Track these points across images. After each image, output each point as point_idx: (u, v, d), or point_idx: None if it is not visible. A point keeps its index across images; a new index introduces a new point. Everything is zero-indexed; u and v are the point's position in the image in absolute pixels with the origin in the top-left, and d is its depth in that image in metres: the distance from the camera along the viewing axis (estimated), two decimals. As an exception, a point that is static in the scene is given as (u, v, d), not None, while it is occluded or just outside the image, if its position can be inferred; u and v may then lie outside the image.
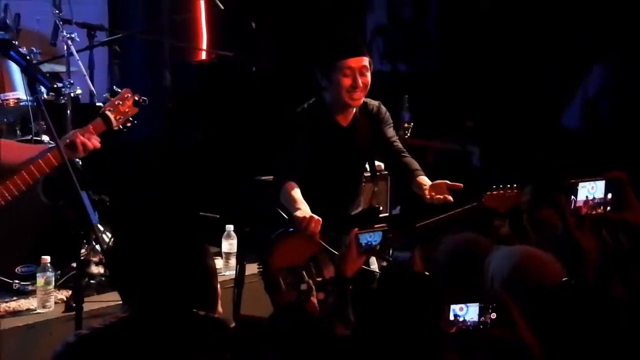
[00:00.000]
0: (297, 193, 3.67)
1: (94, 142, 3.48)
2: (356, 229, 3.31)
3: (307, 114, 3.83)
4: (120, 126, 3.58)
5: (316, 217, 3.55)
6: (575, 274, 2.23)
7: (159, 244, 2.29)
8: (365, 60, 3.74)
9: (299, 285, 3.06)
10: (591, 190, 2.42)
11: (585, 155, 5.58)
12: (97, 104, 3.67)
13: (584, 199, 2.43)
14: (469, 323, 2.43)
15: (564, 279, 2.23)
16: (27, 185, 3.47)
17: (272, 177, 4.04)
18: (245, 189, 4.03)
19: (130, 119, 3.60)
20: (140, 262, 2.28)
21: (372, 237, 3.30)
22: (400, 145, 3.98)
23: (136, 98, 3.58)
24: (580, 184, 2.43)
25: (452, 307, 2.50)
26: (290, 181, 3.70)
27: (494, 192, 3.77)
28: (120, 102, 3.54)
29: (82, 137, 3.45)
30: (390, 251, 4.03)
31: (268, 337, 2.43)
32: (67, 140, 3.42)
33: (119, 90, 3.56)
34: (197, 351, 2.28)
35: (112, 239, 2.45)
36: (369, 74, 3.75)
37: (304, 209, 3.59)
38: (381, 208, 3.98)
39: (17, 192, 3.44)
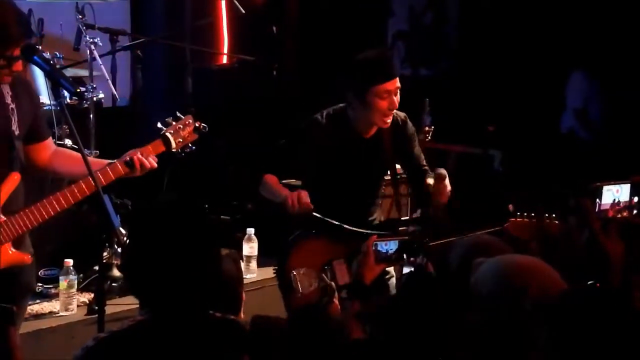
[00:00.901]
0: (278, 183, 3.75)
1: (152, 162, 3.45)
2: (374, 237, 3.31)
3: (327, 121, 3.81)
4: (179, 150, 3.53)
5: (303, 190, 3.61)
6: (600, 279, 2.21)
7: (173, 246, 2.29)
8: (398, 81, 3.72)
9: (323, 285, 3.05)
10: (616, 193, 2.39)
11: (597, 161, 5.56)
12: (160, 126, 3.56)
13: (610, 202, 2.41)
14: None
15: (589, 282, 2.21)
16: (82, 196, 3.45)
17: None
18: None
19: (190, 145, 3.55)
20: (155, 265, 2.28)
21: (388, 246, 3.30)
22: (423, 163, 3.97)
23: (197, 125, 3.53)
24: (605, 187, 2.41)
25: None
26: (270, 174, 3.78)
27: (518, 220, 3.62)
28: (181, 127, 3.51)
29: (140, 156, 3.42)
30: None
31: (285, 338, 2.43)
32: (127, 158, 3.40)
33: (182, 116, 3.52)
34: (214, 353, 2.29)
35: (127, 243, 2.42)
36: (399, 95, 3.74)
37: (289, 192, 3.66)
38: (402, 217, 3.94)
39: (73, 201, 3.41)
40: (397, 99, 3.71)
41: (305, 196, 3.62)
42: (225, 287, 2.63)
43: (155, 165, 3.46)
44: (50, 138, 3.52)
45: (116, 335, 2.30)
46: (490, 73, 6.81)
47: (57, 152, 3.48)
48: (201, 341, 2.29)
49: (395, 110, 3.80)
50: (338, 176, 3.82)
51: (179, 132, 3.48)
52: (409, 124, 3.93)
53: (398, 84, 3.70)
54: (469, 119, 6.54)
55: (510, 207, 5.23)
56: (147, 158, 3.42)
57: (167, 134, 3.45)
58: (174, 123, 3.48)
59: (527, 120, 6.53)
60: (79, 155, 3.37)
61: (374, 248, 3.22)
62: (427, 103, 5.54)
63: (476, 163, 6.17)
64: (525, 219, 3.60)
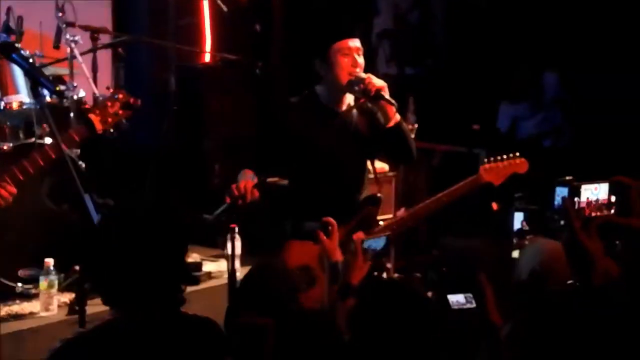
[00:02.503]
0: (249, 175, 3.74)
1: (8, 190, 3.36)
2: (361, 235, 3.29)
3: (298, 101, 3.89)
4: (110, 130, 3.44)
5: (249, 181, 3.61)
6: (581, 277, 2.21)
7: (139, 246, 2.28)
8: (359, 43, 3.83)
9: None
10: (594, 191, 2.39)
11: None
12: (85, 105, 3.44)
13: (587, 200, 2.41)
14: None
15: (569, 282, 2.22)
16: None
17: (275, 178, 4.04)
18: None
19: (124, 121, 3.47)
20: (121, 265, 2.27)
21: (376, 243, 3.27)
22: None
23: (128, 100, 3.44)
24: (584, 186, 2.41)
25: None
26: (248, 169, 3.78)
27: (488, 165, 3.95)
28: (109, 104, 3.42)
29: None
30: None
31: (279, 337, 2.41)
32: None
33: (111, 90, 3.43)
34: (185, 352, 2.27)
35: (90, 244, 2.39)
36: (362, 58, 3.83)
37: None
38: (380, 195, 3.96)
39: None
40: (361, 61, 3.79)
41: (250, 185, 3.60)
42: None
43: (6, 194, 3.35)
44: None
45: (82, 336, 2.31)
46: (476, 72, 6.80)
47: None
48: (172, 340, 2.27)
49: None
50: (320, 154, 3.82)
51: (106, 110, 3.40)
52: None
53: (359, 45, 3.81)
54: (454, 117, 6.54)
55: (494, 205, 5.27)
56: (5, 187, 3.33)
57: (90, 115, 3.38)
58: (101, 99, 3.41)
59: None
60: None
61: (362, 246, 3.19)
62: (412, 101, 5.54)
63: (461, 162, 6.15)
64: (494, 163, 3.95)
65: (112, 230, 2.33)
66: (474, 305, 2.52)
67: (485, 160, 4.03)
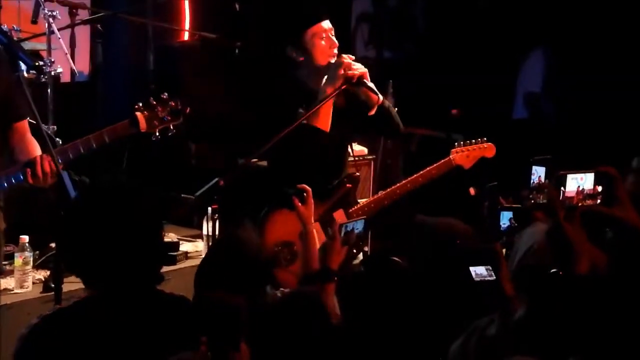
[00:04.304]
0: None
1: (46, 167, 3.33)
2: (339, 220, 3.30)
3: (283, 86, 3.92)
4: (156, 132, 3.38)
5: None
6: (563, 266, 2.23)
7: (114, 223, 2.27)
8: (329, 23, 3.90)
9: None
10: (580, 181, 2.42)
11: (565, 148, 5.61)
12: (139, 106, 3.39)
13: (574, 190, 2.44)
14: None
15: (552, 270, 2.24)
16: None
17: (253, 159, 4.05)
18: (230, 171, 4.01)
19: (172, 128, 3.41)
20: (95, 243, 2.27)
21: (355, 225, 3.27)
22: None
23: (177, 106, 3.38)
24: (570, 175, 2.43)
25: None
26: None
27: (459, 149, 4.09)
28: (160, 108, 3.37)
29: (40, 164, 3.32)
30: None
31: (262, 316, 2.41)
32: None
33: (164, 96, 3.38)
34: (160, 330, 2.27)
35: (66, 220, 2.38)
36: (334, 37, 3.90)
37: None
38: (358, 174, 4.03)
39: None
40: (335, 40, 3.87)
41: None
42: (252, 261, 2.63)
43: (49, 173, 3.32)
44: (26, 121, 3.43)
45: (61, 312, 2.30)
46: (456, 56, 6.81)
47: (25, 137, 3.41)
48: (147, 318, 2.27)
49: None
50: (303, 134, 3.81)
51: (155, 112, 3.36)
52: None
53: (331, 25, 3.88)
54: (433, 102, 6.55)
55: (472, 190, 5.29)
56: (46, 164, 3.30)
57: (137, 114, 3.34)
58: (153, 103, 3.37)
59: (491, 105, 6.55)
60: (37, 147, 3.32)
61: (341, 230, 3.19)
62: (391, 85, 5.53)
63: (439, 146, 6.17)
64: (464, 147, 4.10)
65: (88, 208, 2.33)
66: (494, 277, 2.53)
67: (456, 144, 4.15)
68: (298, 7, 4.00)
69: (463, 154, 4.12)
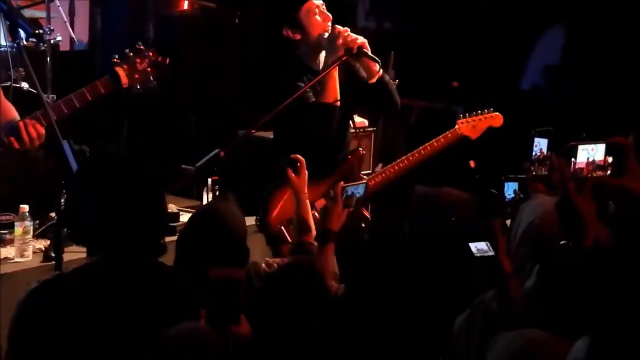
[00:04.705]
0: None
1: (32, 131, 3.29)
2: (341, 183, 3.31)
3: (284, 65, 3.93)
4: (137, 85, 3.35)
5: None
6: (572, 238, 2.23)
7: (114, 193, 2.29)
8: None
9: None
10: (591, 152, 2.40)
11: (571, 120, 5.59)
12: (116, 59, 3.33)
13: (585, 160, 2.42)
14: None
15: (561, 242, 2.24)
16: None
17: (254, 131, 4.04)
18: (230, 142, 4.01)
19: (152, 79, 3.38)
20: (97, 212, 2.29)
21: (356, 189, 3.30)
22: None
23: (157, 59, 3.36)
24: (581, 146, 2.42)
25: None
26: None
27: (465, 120, 4.12)
28: (139, 60, 3.34)
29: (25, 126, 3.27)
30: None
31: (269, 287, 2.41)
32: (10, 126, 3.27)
33: (141, 47, 3.34)
34: (155, 301, 2.29)
35: (68, 189, 2.40)
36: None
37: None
38: (362, 149, 4.03)
39: None
40: (329, 13, 3.88)
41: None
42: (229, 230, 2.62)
43: (36, 138, 3.28)
44: None
45: (60, 278, 2.34)
46: (457, 27, 6.77)
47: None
48: (144, 288, 2.29)
49: None
50: (304, 111, 3.81)
51: (135, 65, 3.33)
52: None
53: (321, 1, 3.89)
54: (434, 74, 6.52)
55: (472, 163, 5.29)
56: (31, 129, 3.26)
57: (117, 68, 3.31)
58: (130, 55, 3.35)
59: (493, 76, 6.52)
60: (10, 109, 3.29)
61: (343, 193, 3.20)
62: (392, 57, 5.50)
63: (439, 118, 6.16)
64: (470, 118, 4.13)
65: (90, 177, 2.35)
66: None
67: (462, 115, 4.17)
68: None
69: (469, 125, 4.14)
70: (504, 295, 2.36)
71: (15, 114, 3.35)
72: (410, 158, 4.08)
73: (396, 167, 4.08)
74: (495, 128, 4.22)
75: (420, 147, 4.09)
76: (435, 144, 4.10)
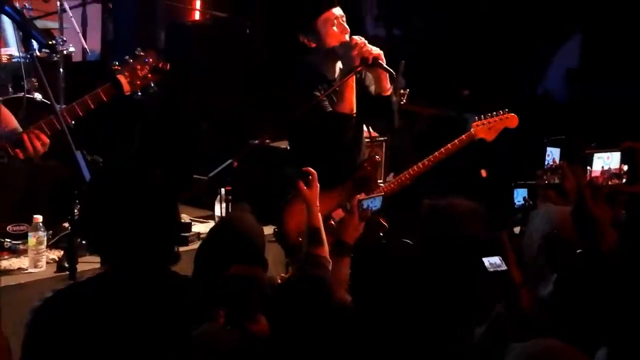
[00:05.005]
0: None
1: (37, 143, 3.30)
2: (358, 196, 3.30)
3: (297, 73, 3.93)
4: (138, 91, 3.36)
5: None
6: (588, 245, 2.22)
7: (130, 202, 2.30)
8: (341, 10, 3.90)
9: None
10: (607, 160, 2.40)
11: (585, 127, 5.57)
12: (116, 65, 3.35)
13: (600, 169, 2.42)
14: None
15: (577, 251, 2.23)
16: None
17: (266, 140, 4.05)
18: (242, 152, 4.00)
19: (152, 85, 3.38)
20: (112, 221, 2.29)
21: (372, 203, 3.28)
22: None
23: (158, 64, 3.35)
24: (596, 155, 2.41)
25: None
26: None
27: (480, 122, 4.11)
28: (139, 67, 3.34)
29: (29, 137, 3.28)
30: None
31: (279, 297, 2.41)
32: (14, 137, 3.27)
33: (141, 52, 3.34)
34: (168, 309, 2.29)
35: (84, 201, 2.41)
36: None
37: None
38: (378, 157, 4.02)
39: None
40: (347, 26, 3.87)
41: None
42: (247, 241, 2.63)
43: (40, 148, 3.29)
44: None
45: (74, 287, 2.34)
46: (466, 34, 6.76)
47: None
48: (158, 297, 2.29)
49: None
50: (318, 121, 3.81)
51: (136, 72, 3.33)
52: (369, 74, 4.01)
53: (342, 12, 3.88)
54: (444, 81, 6.51)
55: (483, 172, 5.28)
56: (35, 140, 3.26)
57: (119, 76, 3.31)
58: (131, 62, 3.34)
59: (503, 84, 6.51)
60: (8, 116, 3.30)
61: (359, 206, 3.19)
62: (402, 65, 5.50)
63: (449, 126, 6.15)
64: (485, 120, 4.12)
65: (104, 188, 2.35)
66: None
67: (476, 117, 4.16)
68: None
69: (484, 127, 4.13)
70: (515, 306, 2.36)
71: (15, 124, 3.37)
72: (425, 162, 4.08)
73: (411, 172, 4.09)
74: (509, 130, 4.21)
75: (436, 152, 4.08)
76: (450, 147, 4.09)
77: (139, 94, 3.38)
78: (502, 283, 2.50)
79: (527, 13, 6.58)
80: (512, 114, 4.19)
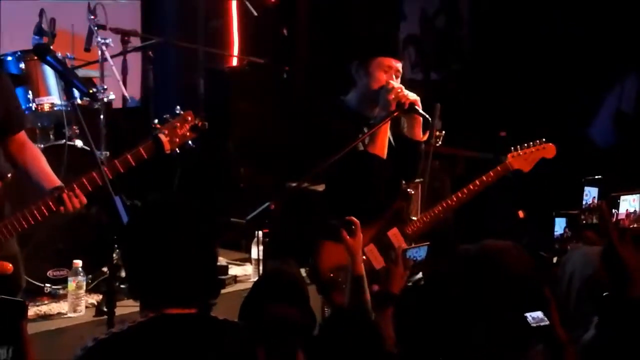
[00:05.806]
0: None
1: (75, 202, 3.35)
2: (403, 245, 3.30)
3: (332, 110, 3.99)
4: (177, 150, 3.41)
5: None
6: (618, 289, 2.20)
7: (171, 246, 2.28)
8: (401, 66, 3.95)
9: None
10: (632, 203, 2.38)
11: (621, 168, 5.51)
12: (156, 124, 3.42)
13: (626, 212, 2.40)
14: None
15: (604, 294, 2.21)
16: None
17: (303, 183, 4.06)
18: (280, 194, 4.02)
19: (190, 143, 3.45)
20: (152, 265, 2.28)
21: (417, 253, 3.24)
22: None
23: (196, 122, 3.40)
24: (622, 197, 2.40)
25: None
26: None
27: (516, 152, 4.04)
28: (178, 125, 3.40)
29: (68, 194, 3.32)
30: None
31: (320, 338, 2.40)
32: (55, 195, 3.34)
33: (180, 112, 3.40)
34: (214, 356, 2.27)
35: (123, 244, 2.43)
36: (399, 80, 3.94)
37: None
38: (410, 191, 3.96)
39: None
40: (398, 81, 3.90)
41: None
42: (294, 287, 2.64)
43: (78, 206, 3.34)
44: (24, 132, 3.49)
45: (116, 336, 2.30)
46: (504, 77, 6.77)
47: (25, 147, 3.46)
48: (204, 343, 2.27)
49: None
50: (353, 159, 3.83)
51: (175, 130, 3.38)
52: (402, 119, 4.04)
53: (400, 68, 3.94)
54: (481, 123, 6.51)
55: (520, 213, 5.24)
56: (73, 197, 3.32)
57: (160, 134, 3.35)
58: (171, 120, 3.40)
59: (541, 126, 6.48)
60: (40, 156, 3.39)
61: (404, 256, 3.16)
62: (438, 108, 5.51)
63: (487, 168, 6.14)
64: (521, 150, 4.05)
65: (142, 229, 2.34)
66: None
67: (512, 148, 4.09)
68: (378, 32, 4.06)
69: (521, 157, 4.07)
70: None
71: (57, 181, 3.44)
72: (459, 195, 4.01)
73: (444, 205, 4.00)
74: (547, 163, 4.12)
75: (470, 184, 4.01)
76: (484, 179, 4.02)
77: (177, 151, 3.42)
78: (545, 338, 2.46)
79: (580, 52, 6.55)
80: (550, 144, 4.10)
